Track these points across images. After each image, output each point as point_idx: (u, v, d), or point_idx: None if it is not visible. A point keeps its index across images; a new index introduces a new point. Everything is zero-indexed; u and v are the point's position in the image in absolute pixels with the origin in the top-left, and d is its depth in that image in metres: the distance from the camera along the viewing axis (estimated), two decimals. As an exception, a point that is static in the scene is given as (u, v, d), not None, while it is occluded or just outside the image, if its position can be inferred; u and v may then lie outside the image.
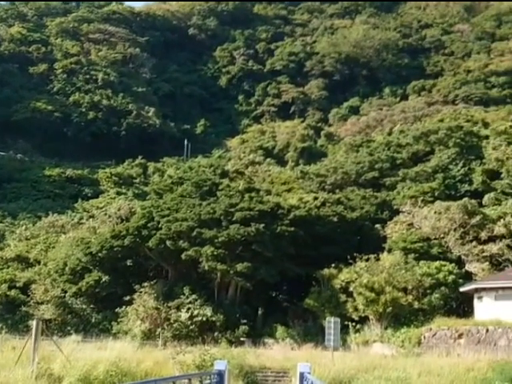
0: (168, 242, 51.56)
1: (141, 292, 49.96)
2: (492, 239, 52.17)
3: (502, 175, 60.97)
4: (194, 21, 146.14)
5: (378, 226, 58.56)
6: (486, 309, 44.68)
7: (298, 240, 52.68)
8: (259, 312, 52.77)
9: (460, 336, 41.78)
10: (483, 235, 52.57)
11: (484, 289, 45.55)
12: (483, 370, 31.65)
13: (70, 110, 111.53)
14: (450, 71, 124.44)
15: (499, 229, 52.27)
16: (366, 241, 56.00)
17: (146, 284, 50.61)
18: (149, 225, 53.59)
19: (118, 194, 73.79)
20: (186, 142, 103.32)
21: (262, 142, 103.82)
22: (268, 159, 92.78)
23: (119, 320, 51.14)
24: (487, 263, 50.64)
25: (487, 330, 40.88)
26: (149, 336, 48.06)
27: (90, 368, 32.40)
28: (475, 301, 46.58)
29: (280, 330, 49.18)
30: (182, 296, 49.93)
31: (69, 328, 52.50)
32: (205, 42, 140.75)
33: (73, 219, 72.69)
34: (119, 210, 63.11)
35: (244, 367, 34.72)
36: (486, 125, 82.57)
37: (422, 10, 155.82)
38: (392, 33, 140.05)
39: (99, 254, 53.89)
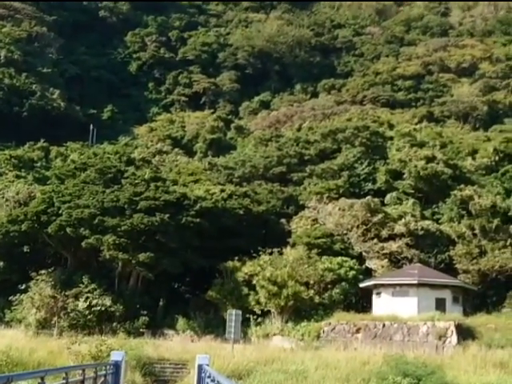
0: (68, 229, 49.95)
1: (37, 279, 48.20)
2: (392, 237, 53.73)
3: (404, 176, 62.79)
4: (106, 3, 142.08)
5: (283, 220, 59.10)
6: (383, 304, 45.90)
7: (203, 231, 52.32)
8: (160, 303, 52.02)
9: (358, 330, 42.67)
10: (384, 233, 54.05)
11: (382, 285, 46.80)
12: (378, 363, 32.37)
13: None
14: (360, 72, 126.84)
15: (399, 227, 53.89)
16: (271, 235, 56.35)
17: (43, 271, 48.80)
18: (48, 210, 51.72)
19: (17, 177, 70.50)
20: (91, 127, 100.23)
21: (170, 131, 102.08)
22: (176, 149, 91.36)
23: (13, 308, 49.20)
24: (386, 260, 52.11)
25: (384, 325, 41.95)
26: (44, 325, 46.53)
27: (-23, 357, 30.85)
28: (374, 296, 47.77)
29: (181, 322, 48.69)
30: (80, 285, 48.49)
31: (-43, 315, 49.94)
32: (116, 26, 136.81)
33: (-33, 201, 68.98)
34: (18, 193, 60.37)
35: (142, 358, 34.07)
36: (391, 126, 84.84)
37: (335, 9, 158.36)
38: (305, 30, 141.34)
39: (-7, 239, 51.57)
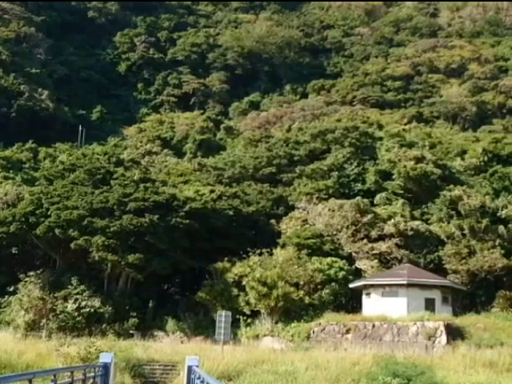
0: (57, 231, 49.72)
1: (26, 281, 47.89)
2: (382, 238, 53.79)
3: (394, 176, 62.88)
4: (94, 3, 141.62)
5: (273, 221, 59.01)
6: (373, 305, 45.94)
7: (193, 232, 52.23)
8: (150, 304, 51.84)
9: (348, 331, 42.69)
10: (373, 233, 54.10)
11: (372, 285, 46.85)
12: (368, 364, 32.41)
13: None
14: (349, 73, 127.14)
15: (389, 228, 53.94)
16: (261, 235, 56.33)
17: (31, 273, 48.54)
18: (37, 212, 51.44)
19: (6, 178, 70.06)
20: (80, 127, 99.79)
21: (160, 132, 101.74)
22: (165, 150, 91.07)
23: (1, 310, 48.99)
24: (376, 261, 52.15)
25: (373, 326, 41.99)
26: (33, 327, 46.19)
27: (-36, 360, 30.61)
28: (363, 297, 47.80)
29: (170, 323, 48.54)
30: (69, 286, 48.27)
31: None
32: (105, 26, 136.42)
33: (-46, 203, 68.44)
34: (6, 195, 59.98)
35: (131, 360, 33.89)
36: (380, 127, 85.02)
37: (325, 10, 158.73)
38: (295, 31, 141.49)
39: (-19, 241, 51.22)
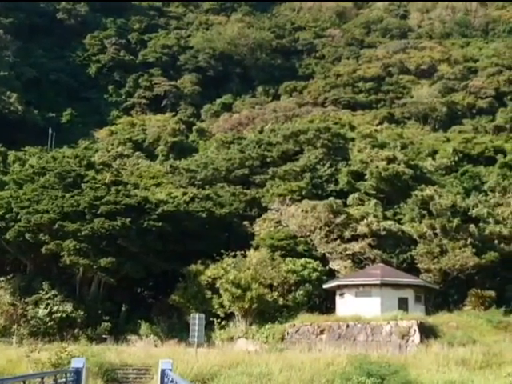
0: (27, 235, 49.10)
1: (-5, 287, 47.34)
2: (355, 238, 53.98)
3: (366, 177, 63.12)
4: (63, 5, 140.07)
5: (246, 222, 58.90)
6: (347, 305, 46.09)
7: (166, 235, 51.91)
8: (123, 308, 51.39)
9: (322, 332, 42.76)
10: (347, 234, 54.27)
11: (346, 286, 47.01)
12: (342, 364, 32.49)
13: None
14: (321, 74, 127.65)
15: (362, 228, 54.16)
16: (235, 237, 56.18)
17: (1, 278, 48.35)
18: (7, 216, 50.74)
19: (-26, 182, 69.05)
20: (50, 131, 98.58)
21: (131, 134, 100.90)
22: (137, 152, 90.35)
23: (-30, 317, 48.03)
24: (349, 261, 52.34)
25: (347, 326, 42.12)
26: (3, 333, 45.73)
27: None
28: (337, 297, 47.95)
29: (144, 327, 48.17)
30: (40, 291, 47.77)
31: None
32: (74, 28, 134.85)
33: None
34: (-26, 199, 59.05)
35: (104, 365, 33.49)
36: (352, 128, 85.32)
37: (296, 12, 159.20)
38: (266, 33, 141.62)
39: (-51, 246, 50.32)
